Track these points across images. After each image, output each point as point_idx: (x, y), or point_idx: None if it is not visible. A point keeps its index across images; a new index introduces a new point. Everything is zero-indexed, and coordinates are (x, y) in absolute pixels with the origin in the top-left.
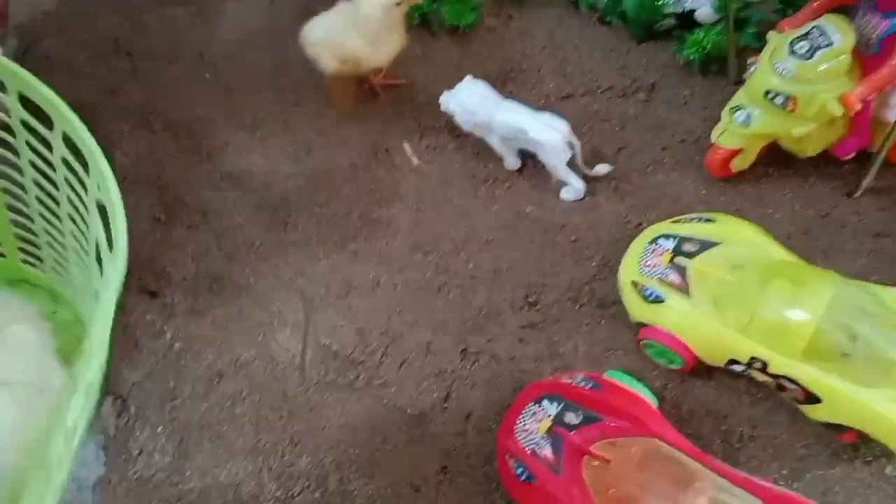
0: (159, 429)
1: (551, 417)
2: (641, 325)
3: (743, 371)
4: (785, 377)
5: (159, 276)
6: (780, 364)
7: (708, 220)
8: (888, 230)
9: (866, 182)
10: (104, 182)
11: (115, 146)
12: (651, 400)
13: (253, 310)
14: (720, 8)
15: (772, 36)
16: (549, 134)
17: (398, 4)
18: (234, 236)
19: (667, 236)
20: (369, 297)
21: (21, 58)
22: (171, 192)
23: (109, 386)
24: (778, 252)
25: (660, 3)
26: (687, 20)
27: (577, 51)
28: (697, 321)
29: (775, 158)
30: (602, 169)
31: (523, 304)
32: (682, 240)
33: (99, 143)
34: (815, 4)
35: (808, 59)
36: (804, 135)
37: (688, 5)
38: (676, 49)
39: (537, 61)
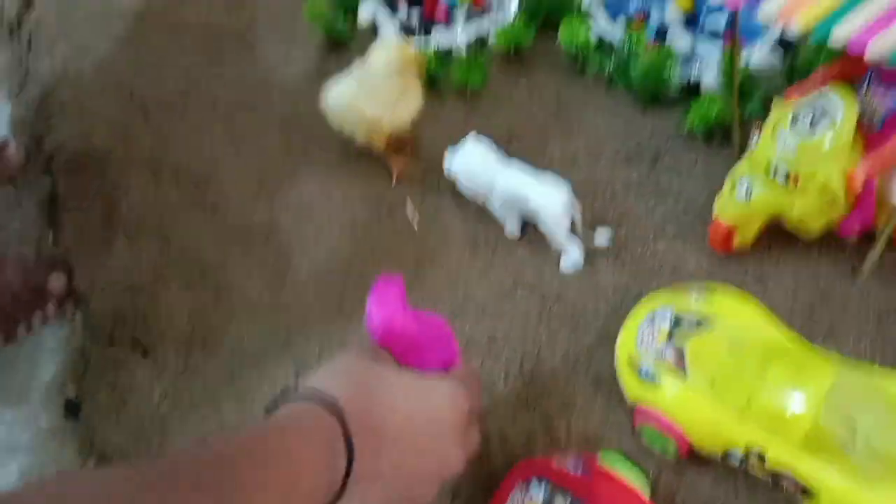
0: None
1: None
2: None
3: (740, 465)
4: (781, 470)
5: (151, 332)
6: (778, 453)
7: (707, 295)
8: (893, 311)
9: (869, 262)
10: None
11: (123, 196)
12: (643, 488)
13: (243, 371)
14: (725, 77)
15: (776, 104)
16: (548, 201)
17: (403, 61)
18: (231, 295)
19: (664, 312)
20: None
21: (39, 105)
22: (175, 245)
23: (94, 445)
24: (779, 332)
25: (667, 70)
26: (694, 88)
27: (582, 115)
28: (692, 403)
29: (779, 234)
30: (601, 238)
31: (517, 375)
32: (680, 316)
33: (108, 193)
34: (822, 73)
35: (811, 132)
36: (805, 214)
37: (694, 73)
38: (682, 116)
39: (543, 123)
